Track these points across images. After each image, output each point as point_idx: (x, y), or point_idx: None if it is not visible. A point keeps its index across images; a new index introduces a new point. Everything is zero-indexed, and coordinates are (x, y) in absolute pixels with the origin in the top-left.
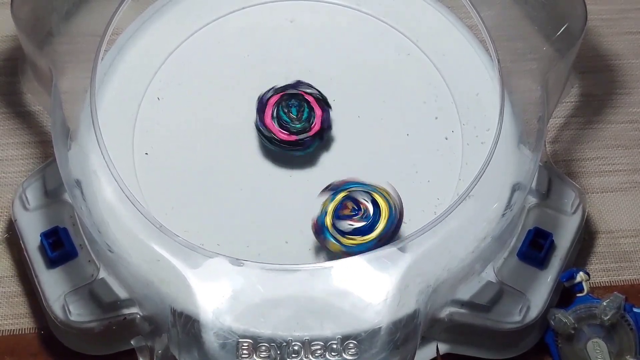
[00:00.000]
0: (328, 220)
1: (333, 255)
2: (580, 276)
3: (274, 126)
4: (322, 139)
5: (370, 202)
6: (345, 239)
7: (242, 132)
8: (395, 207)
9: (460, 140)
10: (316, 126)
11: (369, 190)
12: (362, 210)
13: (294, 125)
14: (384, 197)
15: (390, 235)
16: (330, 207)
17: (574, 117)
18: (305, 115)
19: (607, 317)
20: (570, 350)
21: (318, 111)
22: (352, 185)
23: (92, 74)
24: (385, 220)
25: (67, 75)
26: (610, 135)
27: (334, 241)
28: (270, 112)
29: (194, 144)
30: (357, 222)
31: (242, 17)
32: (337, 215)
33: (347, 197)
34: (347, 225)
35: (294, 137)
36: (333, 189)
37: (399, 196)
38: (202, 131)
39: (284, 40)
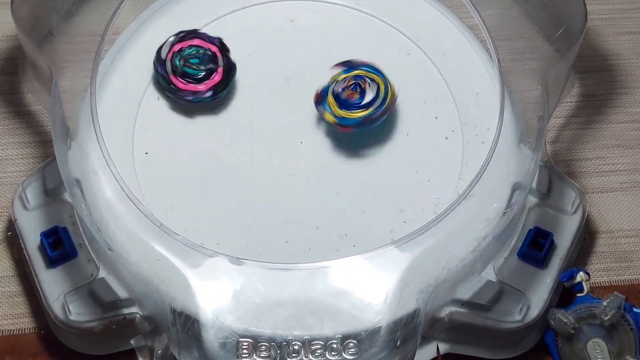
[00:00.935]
0: (330, 93)
1: (333, 254)
2: (580, 276)
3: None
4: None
5: (371, 84)
6: (338, 110)
7: (242, 132)
8: (388, 92)
9: (460, 140)
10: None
11: (375, 73)
12: (362, 88)
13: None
14: (385, 82)
15: (379, 116)
16: (337, 109)
17: (574, 117)
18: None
19: (607, 317)
20: (570, 350)
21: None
22: (366, 68)
23: (92, 73)
24: (379, 101)
25: (67, 74)
26: (611, 135)
27: (328, 111)
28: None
29: (194, 143)
30: (353, 97)
31: (242, 17)
32: (339, 90)
33: (355, 77)
34: (344, 97)
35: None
36: (320, 101)
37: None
38: (201, 131)
39: (284, 40)
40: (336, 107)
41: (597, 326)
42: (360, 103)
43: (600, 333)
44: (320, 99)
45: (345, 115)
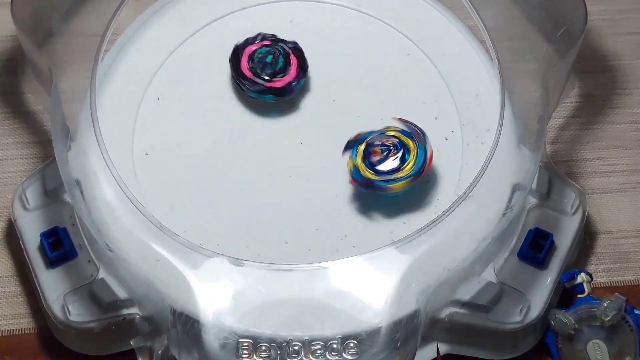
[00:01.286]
0: (367, 173)
1: (333, 255)
2: (581, 277)
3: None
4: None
5: (393, 139)
6: (359, 161)
7: (242, 132)
8: (410, 132)
9: (460, 141)
10: (292, 72)
11: (385, 132)
12: (391, 146)
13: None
14: (398, 130)
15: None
16: (359, 160)
17: (574, 117)
18: (280, 63)
19: (608, 318)
20: (571, 351)
21: (293, 59)
22: (367, 136)
23: (92, 74)
24: (414, 147)
25: (67, 75)
26: (611, 135)
27: (389, 185)
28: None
29: (194, 144)
30: (393, 158)
31: (242, 17)
32: (371, 163)
33: (370, 145)
34: (388, 164)
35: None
36: (350, 145)
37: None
38: (202, 131)
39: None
40: (360, 158)
41: (597, 327)
42: (376, 166)
43: (601, 334)
44: (365, 183)
45: (359, 169)
